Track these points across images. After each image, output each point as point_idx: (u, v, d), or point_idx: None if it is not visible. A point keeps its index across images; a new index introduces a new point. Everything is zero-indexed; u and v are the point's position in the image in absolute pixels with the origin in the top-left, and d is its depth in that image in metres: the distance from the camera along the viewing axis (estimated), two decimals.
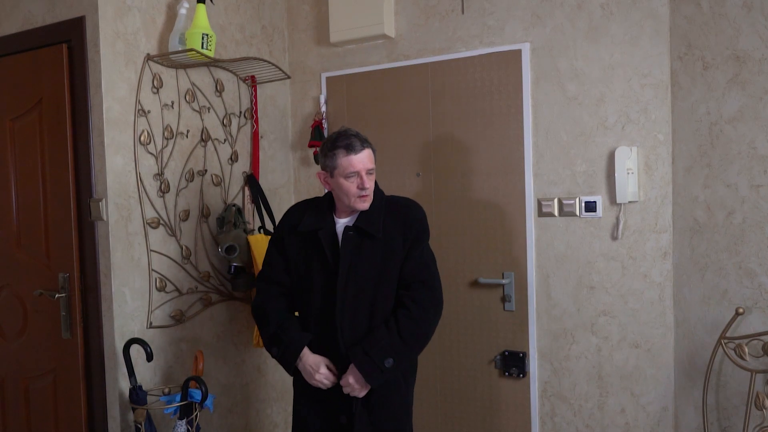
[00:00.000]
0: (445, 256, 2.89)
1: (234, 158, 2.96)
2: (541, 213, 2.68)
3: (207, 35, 2.53)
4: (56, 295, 2.53)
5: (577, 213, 2.61)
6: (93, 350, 2.51)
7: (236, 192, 2.99)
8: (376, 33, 2.92)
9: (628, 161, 2.45)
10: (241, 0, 3.02)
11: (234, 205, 2.89)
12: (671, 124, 2.45)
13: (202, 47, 2.51)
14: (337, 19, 2.99)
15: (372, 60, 3.06)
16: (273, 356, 2.11)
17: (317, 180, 2.82)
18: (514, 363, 2.74)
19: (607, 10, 2.52)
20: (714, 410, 2.39)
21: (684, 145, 2.42)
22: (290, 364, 2.06)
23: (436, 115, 2.90)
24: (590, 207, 2.58)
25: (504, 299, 2.77)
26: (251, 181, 3.02)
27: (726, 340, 2.30)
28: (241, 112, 3.01)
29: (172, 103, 2.67)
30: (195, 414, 2.39)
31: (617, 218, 2.53)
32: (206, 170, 2.82)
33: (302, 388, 2.13)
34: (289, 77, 3.12)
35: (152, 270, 2.58)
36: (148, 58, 2.55)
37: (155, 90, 2.59)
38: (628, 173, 2.45)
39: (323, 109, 3.17)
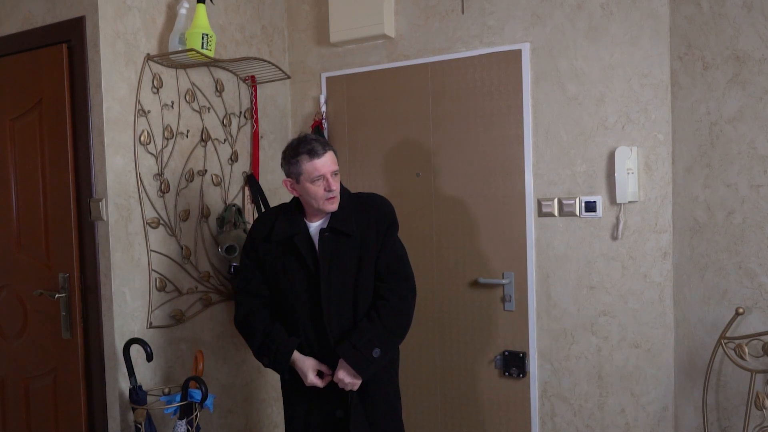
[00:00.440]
0: (445, 256, 2.89)
1: (234, 158, 2.96)
2: (541, 213, 2.68)
3: (207, 35, 2.53)
4: (56, 295, 2.53)
5: (577, 213, 2.61)
6: (93, 350, 2.51)
7: (236, 192, 2.99)
8: (376, 33, 2.92)
9: (628, 161, 2.45)
10: (241, 0, 3.02)
11: (234, 205, 2.89)
12: (671, 124, 2.45)
13: (202, 47, 2.52)
14: (337, 19, 2.99)
15: (372, 60, 3.06)
16: (264, 365, 2.15)
17: None
18: (514, 363, 2.74)
19: (607, 10, 2.52)
20: (714, 410, 2.39)
21: (684, 145, 2.42)
22: (283, 370, 2.11)
23: (436, 115, 2.90)
24: (590, 207, 2.58)
25: (504, 299, 2.77)
26: (251, 181, 3.02)
27: (726, 340, 2.30)
28: (241, 112, 3.01)
29: (172, 103, 2.67)
30: (195, 414, 2.39)
31: (617, 218, 2.53)
32: (206, 170, 2.82)
33: (297, 385, 2.15)
34: (289, 77, 3.12)
35: (152, 270, 2.58)
36: (148, 58, 2.55)
37: (155, 90, 2.59)
38: (628, 173, 2.45)
39: (323, 109, 3.17)
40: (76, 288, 2.51)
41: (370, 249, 2.11)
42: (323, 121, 3.15)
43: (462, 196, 2.85)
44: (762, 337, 2.23)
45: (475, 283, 2.83)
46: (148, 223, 2.56)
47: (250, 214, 3.02)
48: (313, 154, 2.02)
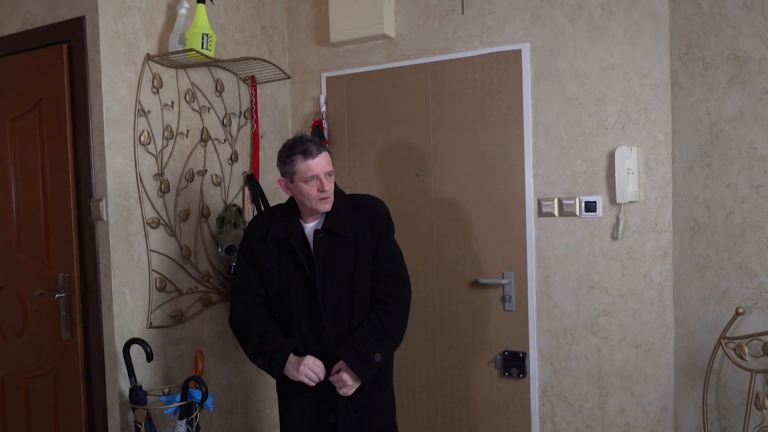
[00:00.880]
0: (445, 256, 2.89)
1: (234, 158, 2.96)
2: (541, 213, 2.68)
3: (207, 35, 2.53)
4: (56, 295, 2.53)
5: (577, 213, 2.61)
6: (93, 350, 2.51)
7: (236, 192, 2.99)
8: (376, 33, 2.92)
9: (628, 161, 2.45)
10: (241, 0, 3.02)
11: (234, 205, 2.89)
12: (671, 124, 2.45)
13: (202, 47, 2.51)
14: (337, 19, 2.99)
15: (372, 60, 3.06)
16: (259, 366, 2.15)
17: None
18: (514, 363, 2.74)
19: (607, 10, 2.52)
20: (714, 410, 2.39)
21: (684, 145, 2.42)
22: (278, 373, 2.11)
23: (436, 115, 2.90)
24: (590, 207, 2.58)
25: (504, 299, 2.77)
26: (251, 181, 3.02)
27: (726, 340, 2.30)
28: (241, 112, 3.01)
29: (172, 103, 2.67)
30: (195, 414, 2.39)
31: (617, 218, 2.53)
32: (206, 170, 2.82)
33: (290, 388, 2.16)
34: (289, 77, 3.12)
35: (152, 270, 2.58)
36: (148, 58, 2.55)
37: (155, 90, 2.59)
38: (628, 173, 2.45)
39: (323, 109, 3.17)
40: (76, 288, 2.51)
41: (365, 250, 2.11)
42: (323, 121, 3.15)
43: (462, 196, 2.85)
44: (762, 337, 2.23)
45: (475, 283, 2.83)
46: (148, 223, 2.56)
47: (250, 214, 3.01)
48: (308, 154, 2.03)
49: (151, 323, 2.57)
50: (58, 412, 2.64)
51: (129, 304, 2.50)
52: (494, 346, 2.80)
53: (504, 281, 2.75)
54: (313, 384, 2.08)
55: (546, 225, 2.68)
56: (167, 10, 2.64)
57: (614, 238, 2.54)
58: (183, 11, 2.56)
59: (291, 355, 2.10)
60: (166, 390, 2.52)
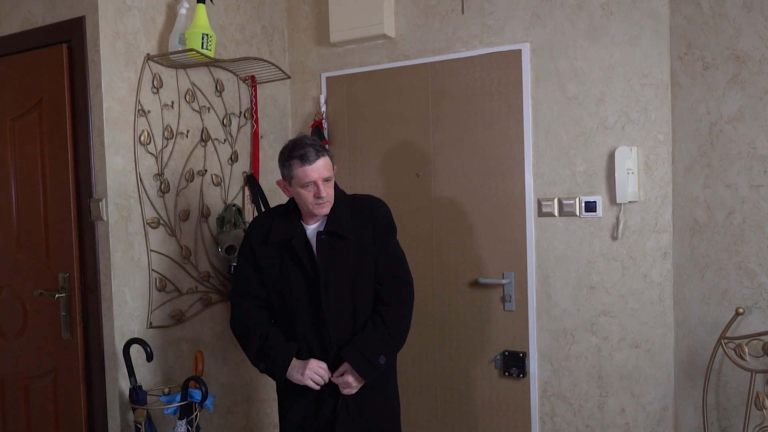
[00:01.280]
0: (445, 256, 2.89)
1: (234, 158, 2.96)
2: (541, 213, 2.68)
3: (207, 35, 2.53)
4: (56, 295, 2.53)
5: (577, 213, 2.61)
6: (93, 350, 2.51)
7: (236, 192, 2.99)
8: (376, 33, 2.92)
9: (628, 161, 2.45)
10: (241, 0, 3.02)
11: (234, 205, 2.89)
12: (671, 124, 2.45)
13: (202, 47, 2.52)
14: (337, 19, 2.99)
15: (372, 60, 3.06)
16: (261, 371, 2.14)
17: None
18: (514, 363, 2.74)
19: (607, 10, 2.52)
20: (714, 410, 2.39)
21: (684, 145, 2.42)
22: (280, 377, 2.11)
23: (436, 115, 2.90)
24: (590, 207, 2.58)
25: (504, 299, 2.77)
26: (251, 181, 3.02)
27: (726, 340, 2.30)
28: (241, 112, 3.01)
29: (172, 103, 2.67)
30: (195, 414, 2.39)
31: (617, 218, 2.53)
32: (206, 170, 2.82)
33: (292, 389, 2.15)
34: (289, 77, 3.12)
35: (152, 270, 2.58)
36: (148, 58, 2.55)
37: (155, 90, 2.59)
38: (628, 173, 2.45)
39: (323, 109, 3.17)
40: (76, 288, 2.51)
41: (367, 251, 2.11)
42: (323, 121, 3.15)
43: (462, 196, 2.85)
44: (762, 337, 2.23)
45: (475, 283, 2.83)
46: (148, 223, 2.56)
47: (250, 214, 3.02)
48: (305, 159, 2.00)
49: (151, 323, 2.57)
50: (58, 412, 2.64)
51: (129, 304, 2.50)
52: (494, 346, 2.80)
53: (504, 281, 2.75)
54: (318, 388, 2.07)
55: (546, 225, 2.68)
56: (167, 10, 2.64)
57: (614, 238, 2.54)
58: (183, 11, 2.57)
59: (294, 359, 2.09)
60: (166, 390, 2.52)
